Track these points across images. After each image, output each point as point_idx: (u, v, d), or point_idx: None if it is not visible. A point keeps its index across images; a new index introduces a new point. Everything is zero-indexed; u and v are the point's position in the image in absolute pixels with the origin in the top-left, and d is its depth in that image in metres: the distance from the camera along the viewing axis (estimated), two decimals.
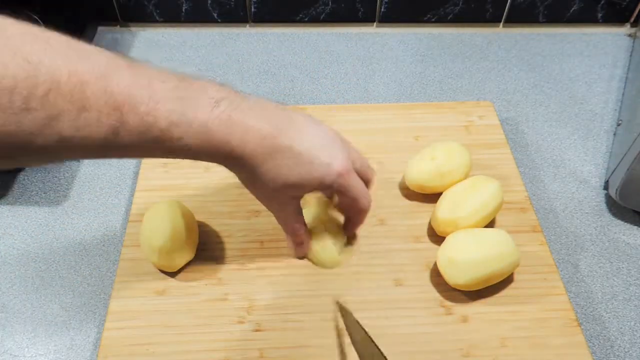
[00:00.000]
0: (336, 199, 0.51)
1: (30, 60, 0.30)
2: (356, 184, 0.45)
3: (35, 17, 0.74)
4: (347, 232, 0.53)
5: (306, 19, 0.81)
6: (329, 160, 0.42)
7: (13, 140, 0.31)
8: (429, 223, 0.55)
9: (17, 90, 0.29)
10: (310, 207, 0.53)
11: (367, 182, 0.48)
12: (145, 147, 0.36)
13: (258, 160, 0.40)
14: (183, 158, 0.39)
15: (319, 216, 0.53)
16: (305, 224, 0.50)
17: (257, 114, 0.40)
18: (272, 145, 0.40)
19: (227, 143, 0.38)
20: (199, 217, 0.55)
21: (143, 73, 0.35)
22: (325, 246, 0.51)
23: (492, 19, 0.81)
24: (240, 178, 0.44)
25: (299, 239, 0.50)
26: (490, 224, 0.54)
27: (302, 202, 0.48)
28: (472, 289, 0.49)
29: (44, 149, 0.32)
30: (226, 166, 0.41)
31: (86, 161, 0.64)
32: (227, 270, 0.52)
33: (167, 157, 0.39)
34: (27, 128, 0.30)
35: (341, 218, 0.53)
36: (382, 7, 0.79)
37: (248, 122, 0.39)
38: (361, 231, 0.54)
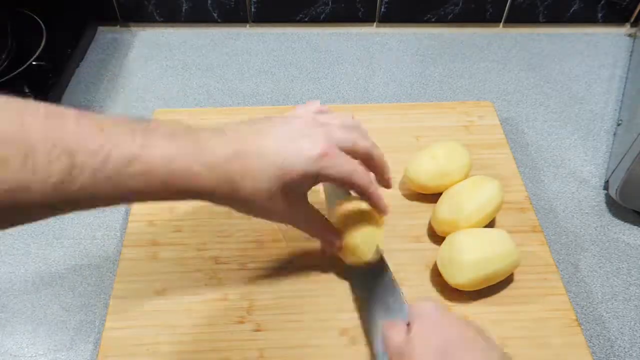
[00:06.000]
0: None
1: None
2: (343, 161, 0.42)
3: (36, 17, 0.75)
4: (379, 211, 0.49)
5: (306, 19, 0.81)
6: (302, 150, 0.40)
7: None
8: (429, 223, 0.55)
9: None
10: (335, 207, 0.51)
11: (366, 157, 0.45)
12: (101, 189, 0.34)
13: (231, 185, 0.39)
14: (144, 199, 0.37)
15: (342, 212, 0.50)
16: (325, 219, 0.48)
17: (218, 140, 0.39)
18: (240, 165, 0.39)
19: (192, 175, 0.37)
20: (199, 217, 0.55)
21: (90, 117, 0.34)
22: (361, 238, 0.49)
23: (492, 19, 0.81)
24: (221, 204, 0.42)
25: (327, 236, 0.48)
26: (490, 224, 0.54)
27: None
28: (472, 289, 0.49)
29: None
30: (204, 200, 0.40)
31: None
32: (227, 270, 0.52)
33: (125, 201, 0.37)
34: None
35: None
36: (382, 7, 0.79)
37: (208, 151, 0.38)
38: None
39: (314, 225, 0.48)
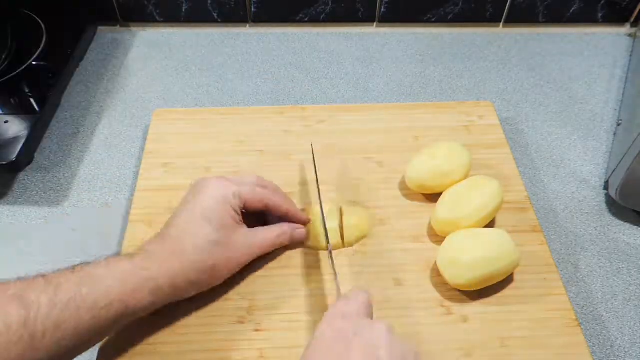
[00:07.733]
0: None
1: None
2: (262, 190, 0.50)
3: (36, 17, 0.75)
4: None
5: (306, 19, 0.81)
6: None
7: None
8: (429, 223, 0.55)
9: None
10: None
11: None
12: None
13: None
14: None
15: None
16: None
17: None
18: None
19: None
20: None
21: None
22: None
23: (492, 19, 0.81)
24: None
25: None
26: (490, 224, 0.54)
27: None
28: (472, 289, 0.49)
29: None
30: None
31: (86, 161, 0.64)
32: None
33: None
34: None
35: None
36: (382, 7, 0.79)
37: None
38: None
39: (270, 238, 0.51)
